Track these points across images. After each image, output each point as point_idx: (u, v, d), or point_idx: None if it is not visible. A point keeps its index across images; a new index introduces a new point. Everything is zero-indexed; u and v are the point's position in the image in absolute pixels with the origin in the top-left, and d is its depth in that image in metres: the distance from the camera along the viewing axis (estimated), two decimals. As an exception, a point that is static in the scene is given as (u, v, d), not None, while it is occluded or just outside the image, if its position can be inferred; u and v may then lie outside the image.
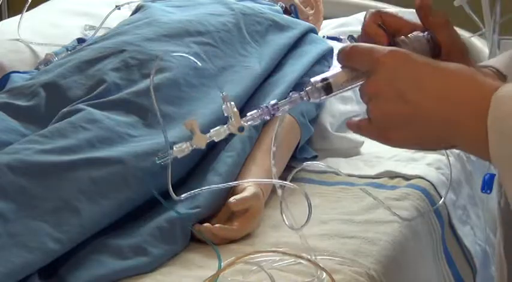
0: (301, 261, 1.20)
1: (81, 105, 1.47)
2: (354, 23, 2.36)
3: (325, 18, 2.26)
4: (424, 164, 1.69)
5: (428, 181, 1.61)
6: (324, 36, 2.11)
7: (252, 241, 1.35)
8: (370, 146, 1.80)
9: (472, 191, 1.80)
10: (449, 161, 1.64)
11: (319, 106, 1.78)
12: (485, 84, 0.87)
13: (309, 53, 1.79)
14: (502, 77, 1.08)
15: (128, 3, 2.07)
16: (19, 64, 1.94)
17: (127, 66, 1.58)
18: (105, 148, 1.37)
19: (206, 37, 1.70)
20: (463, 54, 0.99)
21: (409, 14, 2.46)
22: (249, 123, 0.98)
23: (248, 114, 0.98)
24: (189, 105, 1.52)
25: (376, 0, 2.66)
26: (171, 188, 1.15)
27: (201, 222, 1.34)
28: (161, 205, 1.35)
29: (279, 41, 1.79)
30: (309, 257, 1.19)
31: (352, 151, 1.79)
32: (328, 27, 2.36)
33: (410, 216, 1.45)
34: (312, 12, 2.11)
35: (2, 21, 2.35)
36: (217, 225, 1.34)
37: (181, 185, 1.43)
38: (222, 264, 1.17)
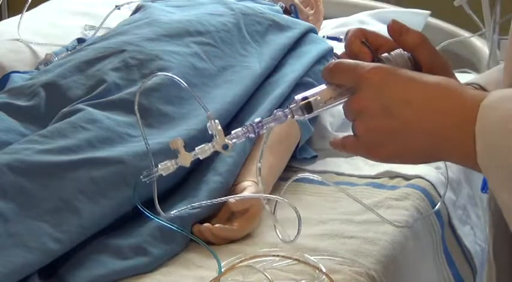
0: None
1: (81, 105, 1.47)
2: (354, 23, 2.36)
3: (325, 18, 2.26)
4: (424, 164, 1.69)
5: (428, 181, 1.61)
6: (324, 36, 2.10)
7: (252, 241, 1.35)
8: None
9: (472, 191, 1.80)
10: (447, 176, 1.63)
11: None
12: (470, 94, 0.88)
13: (309, 53, 1.79)
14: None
15: (128, 3, 2.07)
16: (19, 64, 1.94)
17: (127, 66, 1.58)
18: (105, 148, 1.37)
19: (206, 37, 1.70)
20: (446, 70, 0.99)
21: (410, 14, 2.45)
22: (233, 141, 0.99)
23: (233, 132, 0.99)
24: (189, 105, 1.52)
25: (376, 0, 2.66)
26: (157, 204, 1.15)
27: (201, 222, 1.34)
28: (161, 205, 1.35)
29: (279, 41, 1.79)
30: (304, 258, 1.19)
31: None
32: (328, 27, 2.36)
33: (406, 222, 1.44)
34: (312, 12, 2.11)
35: (2, 21, 2.35)
36: (217, 225, 1.34)
37: (181, 184, 1.43)
38: (222, 267, 1.17)
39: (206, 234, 1.32)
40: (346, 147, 0.93)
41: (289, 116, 0.96)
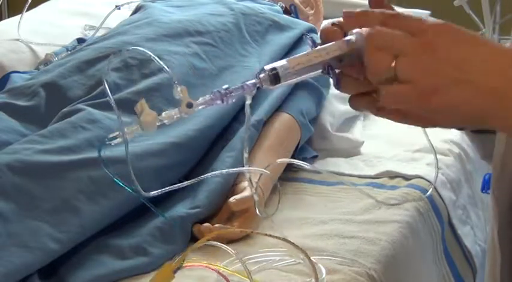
0: (301, 261, 1.20)
1: (81, 105, 1.47)
2: (354, 23, 2.36)
3: (325, 18, 2.25)
4: (424, 164, 1.69)
5: (428, 181, 1.61)
6: (324, 36, 2.10)
7: (253, 241, 1.35)
8: (370, 146, 1.80)
9: (472, 191, 1.80)
10: (436, 159, 1.62)
11: (319, 106, 1.78)
12: None
13: (309, 53, 1.79)
14: None
15: (128, 3, 2.07)
16: (19, 64, 1.94)
17: (127, 66, 1.58)
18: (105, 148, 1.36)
19: (206, 37, 1.70)
20: None
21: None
22: (200, 107, 0.96)
23: (200, 98, 0.95)
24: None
25: (376, 0, 2.66)
26: (135, 180, 1.11)
27: (201, 222, 1.34)
28: (161, 205, 1.35)
29: (279, 41, 1.79)
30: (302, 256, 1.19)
31: (352, 151, 1.79)
32: (328, 27, 2.35)
33: (410, 217, 1.44)
34: (312, 12, 2.11)
35: (2, 21, 2.35)
36: (217, 225, 1.34)
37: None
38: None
39: (206, 234, 1.32)
40: (398, 97, 0.84)
41: (258, 85, 0.92)
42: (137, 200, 1.34)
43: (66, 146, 1.35)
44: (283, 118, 1.62)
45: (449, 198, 1.65)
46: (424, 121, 0.87)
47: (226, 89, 0.93)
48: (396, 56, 0.81)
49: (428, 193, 1.54)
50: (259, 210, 1.14)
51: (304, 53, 0.91)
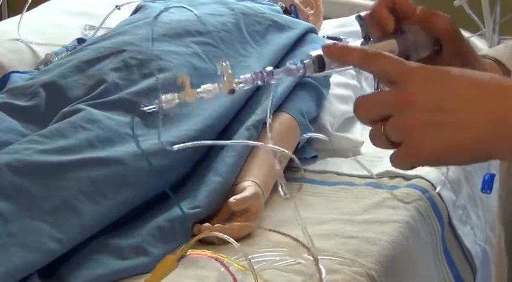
0: (301, 261, 1.20)
1: (81, 105, 1.47)
2: (354, 23, 2.35)
3: (325, 18, 2.26)
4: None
5: (428, 181, 1.61)
6: (324, 36, 2.10)
7: (253, 241, 1.35)
8: (370, 146, 1.79)
9: (472, 191, 1.80)
10: None
11: (319, 106, 1.78)
12: None
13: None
14: (503, 67, 1.07)
15: (128, 3, 2.07)
16: (19, 64, 1.94)
17: (127, 66, 1.58)
18: (105, 148, 1.37)
19: (206, 37, 1.70)
20: (469, 61, 0.96)
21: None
22: (240, 86, 0.94)
23: (241, 76, 0.93)
24: (189, 105, 1.52)
25: (376, 0, 2.65)
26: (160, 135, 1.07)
27: (201, 222, 1.35)
28: (161, 205, 1.35)
29: (279, 41, 1.79)
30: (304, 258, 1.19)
31: (352, 151, 1.79)
32: (328, 27, 2.36)
33: (410, 217, 1.44)
34: (312, 12, 2.11)
35: (2, 21, 2.35)
36: (217, 225, 1.34)
37: (181, 184, 1.43)
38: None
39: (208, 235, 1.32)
40: (398, 160, 0.84)
41: (301, 70, 0.90)
42: (137, 201, 1.35)
43: (66, 146, 1.35)
44: (283, 118, 1.62)
45: (449, 198, 1.65)
46: (438, 164, 0.88)
47: (271, 71, 0.91)
48: (385, 118, 0.82)
49: (438, 189, 1.53)
50: (282, 191, 1.13)
51: (353, 45, 0.89)
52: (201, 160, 1.49)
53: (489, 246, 1.78)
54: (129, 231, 1.31)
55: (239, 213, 1.37)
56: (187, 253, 1.07)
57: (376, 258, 1.29)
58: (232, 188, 1.42)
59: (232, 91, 0.94)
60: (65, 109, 1.48)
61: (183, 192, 1.40)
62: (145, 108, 0.92)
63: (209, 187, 1.39)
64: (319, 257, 1.22)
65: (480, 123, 0.81)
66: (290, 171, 1.61)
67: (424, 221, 1.52)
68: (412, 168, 0.84)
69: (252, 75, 0.92)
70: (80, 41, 1.98)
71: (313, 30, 1.91)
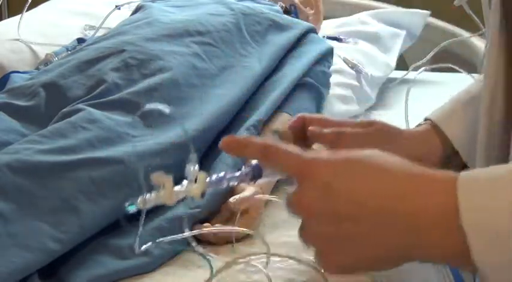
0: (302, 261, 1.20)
1: (81, 105, 1.47)
2: (354, 23, 2.36)
3: (325, 18, 2.26)
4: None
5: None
6: (324, 36, 2.11)
7: (253, 241, 1.35)
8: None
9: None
10: None
11: (319, 106, 1.78)
12: (438, 175, 0.73)
13: (309, 53, 1.79)
14: (439, 131, 1.07)
15: (128, 3, 2.07)
16: (19, 64, 1.94)
17: (127, 66, 1.58)
18: (105, 148, 1.37)
19: (206, 37, 1.70)
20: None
21: (410, 14, 2.45)
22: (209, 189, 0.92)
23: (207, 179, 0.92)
24: (189, 105, 1.52)
25: (376, 0, 2.66)
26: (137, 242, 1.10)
27: (201, 222, 1.34)
28: (161, 205, 1.35)
29: (279, 41, 1.79)
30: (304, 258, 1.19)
31: (352, 151, 1.79)
32: (328, 27, 2.36)
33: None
34: (312, 12, 2.11)
35: (2, 21, 2.35)
36: (217, 225, 1.34)
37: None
38: (214, 271, 1.15)
39: (206, 234, 1.32)
40: (321, 263, 0.77)
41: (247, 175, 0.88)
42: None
43: (66, 146, 1.35)
44: (283, 118, 1.62)
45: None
46: (359, 272, 0.81)
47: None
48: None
49: None
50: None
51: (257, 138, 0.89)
52: (201, 160, 1.49)
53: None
54: (129, 231, 1.31)
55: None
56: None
57: (376, 258, 1.29)
58: (232, 187, 1.42)
59: (203, 194, 0.94)
60: (65, 109, 1.48)
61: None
62: (128, 208, 0.92)
63: (209, 187, 1.39)
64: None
65: (387, 231, 0.72)
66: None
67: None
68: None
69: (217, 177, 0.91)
70: (80, 41, 1.98)
71: (313, 31, 1.91)
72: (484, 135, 0.97)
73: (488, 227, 0.69)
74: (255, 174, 0.88)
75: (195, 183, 0.92)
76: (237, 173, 0.90)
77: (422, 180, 0.73)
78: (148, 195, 0.91)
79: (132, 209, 0.92)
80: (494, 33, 0.95)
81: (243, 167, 0.90)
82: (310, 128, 1.04)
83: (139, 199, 0.91)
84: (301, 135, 1.05)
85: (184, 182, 0.91)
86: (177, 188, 0.92)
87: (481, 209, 0.69)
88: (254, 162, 0.89)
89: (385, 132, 1.06)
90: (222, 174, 0.90)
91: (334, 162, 0.75)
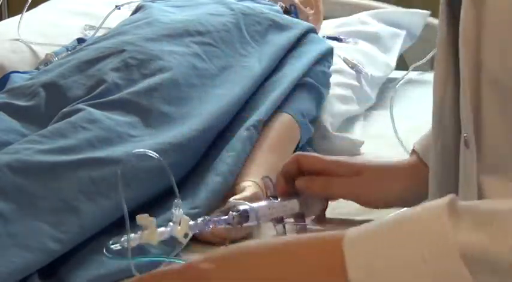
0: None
1: (81, 105, 1.47)
2: (354, 23, 2.36)
3: (325, 18, 2.26)
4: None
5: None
6: (324, 36, 2.10)
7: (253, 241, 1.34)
8: (370, 146, 1.79)
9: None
10: None
11: (319, 106, 1.78)
12: (325, 237, 0.76)
13: (309, 53, 1.79)
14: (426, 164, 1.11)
15: (128, 3, 2.07)
16: (19, 64, 1.94)
17: (127, 66, 1.58)
18: (105, 148, 1.37)
19: (206, 37, 1.70)
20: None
21: (410, 14, 2.45)
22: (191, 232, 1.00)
23: (191, 222, 1.01)
24: (189, 105, 1.52)
25: (376, 0, 2.66)
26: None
27: (201, 222, 1.34)
28: (161, 205, 1.35)
29: (279, 41, 1.79)
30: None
31: (352, 151, 1.79)
32: (328, 27, 2.36)
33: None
34: (312, 12, 2.11)
35: (2, 21, 2.35)
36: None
37: (181, 184, 1.43)
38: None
39: (206, 234, 1.32)
40: None
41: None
42: (137, 201, 1.35)
43: (66, 146, 1.35)
44: (283, 118, 1.62)
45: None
46: None
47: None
48: None
49: None
50: None
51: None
52: (201, 160, 1.49)
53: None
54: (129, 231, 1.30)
55: (239, 213, 1.37)
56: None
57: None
58: (232, 188, 1.42)
59: (186, 235, 1.00)
60: (65, 109, 1.48)
61: (183, 193, 1.40)
62: (112, 246, 0.96)
63: (209, 187, 1.39)
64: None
65: None
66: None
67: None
68: None
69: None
70: (80, 41, 1.98)
71: (313, 31, 1.91)
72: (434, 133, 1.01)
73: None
74: (242, 220, 1.00)
75: (179, 226, 1.00)
76: (224, 217, 1.00)
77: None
78: (132, 235, 0.97)
79: (115, 247, 0.95)
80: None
81: (230, 212, 1.02)
82: (296, 182, 1.19)
83: (123, 238, 0.97)
84: (295, 173, 1.20)
85: (170, 223, 1.00)
86: (160, 229, 1.00)
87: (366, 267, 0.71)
88: (242, 207, 1.01)
89: (373, 180, 1.18)
90: (207, 217, 1.01)
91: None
